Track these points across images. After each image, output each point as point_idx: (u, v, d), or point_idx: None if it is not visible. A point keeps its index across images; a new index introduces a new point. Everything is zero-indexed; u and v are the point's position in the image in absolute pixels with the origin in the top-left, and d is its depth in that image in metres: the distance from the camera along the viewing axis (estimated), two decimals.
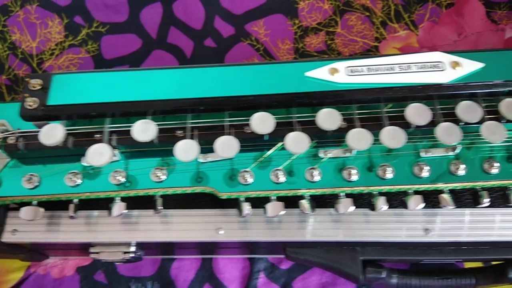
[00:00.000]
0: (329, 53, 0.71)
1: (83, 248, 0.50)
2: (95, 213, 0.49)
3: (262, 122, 0.39)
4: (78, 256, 0.56)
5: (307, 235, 0.48)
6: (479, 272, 0.51)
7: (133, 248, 0.48)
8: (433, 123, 0.41)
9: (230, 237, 0.46)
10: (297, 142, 0.39)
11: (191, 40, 0.70)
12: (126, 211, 0.44)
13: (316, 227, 0.48)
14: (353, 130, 0.40)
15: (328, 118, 0.40)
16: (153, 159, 0.46)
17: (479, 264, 0.56)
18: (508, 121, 0.42)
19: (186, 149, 0.39)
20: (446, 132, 0.40)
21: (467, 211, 0.47)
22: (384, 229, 0.47)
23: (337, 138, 0.45)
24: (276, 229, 0.48)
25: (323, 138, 0.44)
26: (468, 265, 0.57)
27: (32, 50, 0.70)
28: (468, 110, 0.40)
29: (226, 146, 0.39)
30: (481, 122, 0.40)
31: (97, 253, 0.49)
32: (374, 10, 0.72)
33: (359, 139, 0.40)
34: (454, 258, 0.50)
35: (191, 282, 0.56)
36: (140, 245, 0.50)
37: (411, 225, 0.46)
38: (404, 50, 0.71)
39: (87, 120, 0.45)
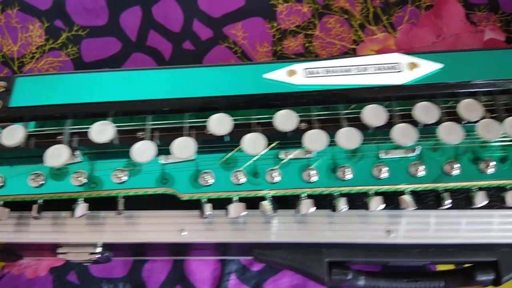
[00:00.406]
0: (307, 56, 0.72)
1: (51, 248, 0.51)
2: (63, 214, 0.49)
3: (219, 124, 0.40)
4: (49, 256, 0.56)
5: (272, 236, 0.48)
6: (448, 275, 0.51)
7: (99, 249, 0.49)
8: (391, 125, 0.41)
9: (192, 238, 0.46)
10: (254, 143, 0.40)
11: (170, 43, 0.71)
12: (89, 212, 0.45)
13: (281, 228, 0.48)
14: (310, 131, 0.40)
15: (286, 120, 0.40)
16: (120, 160, 0.47)
17: (451, 267, 0.56)
18: (469, 122, 0.42)
19: (143, 150, 0.39)
20: (402, 133, 0.40)
21: (432, 213, 0.47)
22: (348, 230, 0.47)
23: (299, 139, 0.45)
24: (241, 230, 0.48)
25: (285, 139, 0.45)
26: (440, 267, 0.57)
27: (13, 54, 0.71)
28: (425, 111, 0.40)
29: (183, 147, 0.39)
30: (438, 123, 0.40)
31: (64, 253, 0.49)
32: (353, 13, 0.73)
33: (315, 140, 0.40)
34: (421, 260, 0.50)
35: (162, 284, 0.56)
36: (108, 246, 0.50)
37: (374, 227, 0.46)
38: (382, 53, 0.71)
39: (54, 122, 0.46)
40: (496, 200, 0.46)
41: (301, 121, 0.44)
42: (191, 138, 0.40)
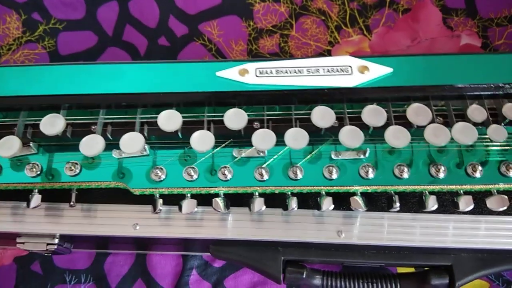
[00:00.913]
0: (282, 55, 0.72)
1: (13, 238, 0.52)
2: (23, 204, 0.50)
3: (168, 120, 0.40)
4: (12, 246, 0.57)
5: (228, 233, 0.49)
6: (404, 278, 0.51)
7: (56, 240, 0.49)
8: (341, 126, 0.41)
9: (146, 233, 0.47)
10: (202, 140, 0.40)
11: (145, 38, 0.71)
12: (45, 203, 0.46)
13: (237, 226, 0.48)
14: (258, 131, 0.40)
15: (235, 118, 0.41)
16: (78, 153, 0.47)
17: (412, 270, 0.56)
18: (419, 126, 0.42)
19: (91, 144, 0.40)
20: (350, 135, 0.40)
21: (386, 215, 0.47)
22: (301, 229, 0.48)
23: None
24: (196, 227, 0.48)
25: (239, 138, 0.45)
26: (401, 270, 0.57)
27: None
28: (373, 114, 0.40)
29: (131, 142, 0.40)
30: (386, 126, 0.41)
31: (22, 243, 0.50)
32: (330, 14, 0.73)
33: (263, 139, 0.40)
34: (375, 262, 0.50)
35: (124, 277, 0.57)
36: (67, 238, 0.51)
37: (326, 227, 0.47)
38: (356, 55, 0.71)
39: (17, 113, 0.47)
40: (450, 205, 0.47)
41: (255, 121, 0.44)
42: (138, 133, 0.40)
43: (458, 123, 0.40)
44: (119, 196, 0.49)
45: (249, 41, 0.72)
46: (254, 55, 0.72)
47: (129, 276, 0.57)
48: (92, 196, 0.49)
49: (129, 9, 0.72)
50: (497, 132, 0.39)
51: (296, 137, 0.40)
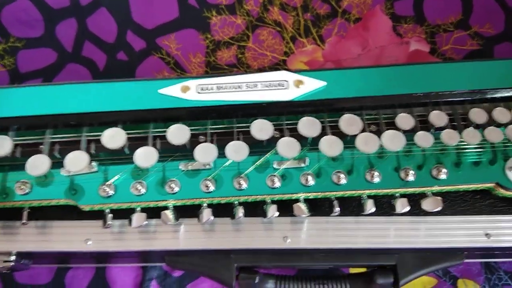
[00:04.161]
0: (239, 67, 0.74)
1: None
2: None
3: (112, 138, 0.42)
4: None
5: (180, 244, 0.50)
6: (352, 278, 0.53)
7: (13, 257, 0.50)
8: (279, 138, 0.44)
9: (99, 248, 0.48)
10: (145, 156, 0.42)
11: (104, 53, 0.72)
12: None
13: (189, 236, 0.50)
14: (200, 144, 0.42)
15: (177, 134, 0.42)
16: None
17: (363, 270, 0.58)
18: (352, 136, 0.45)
19: (37, 164, 0.41)
20: (287, 146, 0.42)
21: (330, 219, 0.50)
22: (251, 237, 0.49)
23: None
24: (150, 239, 0.50)
25: (185, 151, 0.47)
26: (354, 270, 0.60)
27: None
28: (308, 126, 0.43)
29: (76, 160, 0.41)
30: (321, 136, 0.43)
31: None
32: (285, 25, 0.75)
33: (205, 153, 0.42)
34: (324, 264, 0.52)
35: None
36: (25, 254, 0.52)
37: (273, 233, 0.49)
38: (310, 64, 0.74)
39: None
40: (389, 207, 0.49)
41: (200, 135, 0.46)
42: (83, 151, 0.42)
43: (387, 131, 0.43)
44: (73, 212, 0.50)
45: (207, 53, 0.74)
46: (212, 67, 0.74)
47: None
48: (46, 212, 0.50)
49: (87, 25, 0.73)
50: (423, 139, 0.42)
51: (237, 150, 0.42)
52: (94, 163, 0.45)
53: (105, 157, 0.47)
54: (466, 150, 0.47)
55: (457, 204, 0.49)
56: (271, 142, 0.46)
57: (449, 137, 0.42)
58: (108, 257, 0.56)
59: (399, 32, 0.75)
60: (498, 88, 0.45)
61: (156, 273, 0.59)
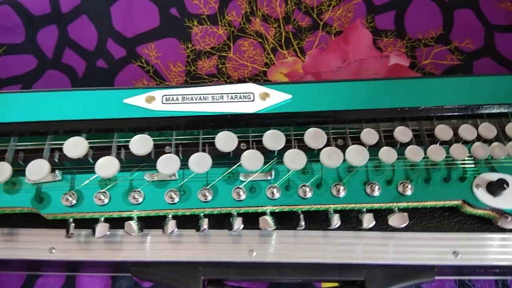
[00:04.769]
0: (219, 77, 0.74)
1: None
2: None
3: (74, 147, 0.42)
4: None
5: (147, 255, 0.50)
6: None
7: None
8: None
9: (63, 257, 0.47)
10: (106, 166, 0.41)
11: (84, 60, 0.72)
12: None
13: (155, 248, 0.50)
14: (164, 155, 0.42)
15: (140, 144, 0.42)
16: None
17: (335, 284, 0.58)
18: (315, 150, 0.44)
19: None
20: (250, 159, 0.42)
21: (298, 233, 0.49)
22: (218, 249, 0.49)
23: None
24: (116, 250, 0.49)
25: (151, 162, 0.46)
26: (326, 285, 0.59)
27: None
28: (273, 139, 0.42)
29: (37, 168, 0.41)
30: (285, 150, 0.43)
31: None
32: (266, 37, 0.75)
33: (167, 163, 0.42)
34: (292, 278, 0.52)
35: None
36: None
37: (239, 246, 0.48)
38: (290, 76, 0.74)
39: None
40: (357, 222, 0.49)
41: (166, 145, 0.46)
42: (43, 160, 0.41)
43: (351, 146, 0.42)
44: (40, 220, 0.50)
45: (188, 63, 0.74)
46: (192, 77, 0.74)
47: None
48: (14, 220, 0.50)
49: (68, 32, 0.73)
50: (387, 154, 0.42)
51: (199, 162, 0.42)
52: (58, 172, 0.45)
53: (71, 166, 0.47)
54: (435, 167, 0.47)
55: (425, 220, 0.48)
56: (238, 155, 0.45)
57: (414, 153, 0.42)
58: (77, 266, 0.55)
59: (380, 46, 0.75)
60: (461, 105, 0.45)
61: (126, 283, 0.58)
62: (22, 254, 0.48)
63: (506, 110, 0.44)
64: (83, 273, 0.58)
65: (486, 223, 0.49)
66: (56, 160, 0.44)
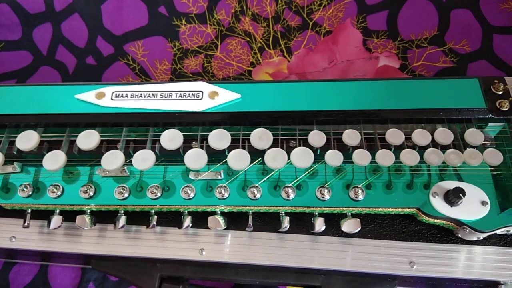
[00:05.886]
0: (204, 75, 0.74)
1: None
2: None
3: (26, 140, 0.43)
4: None
5: (104, 249, 0.50)
6: None
7: None
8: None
9: (22, 246, 0.49)
10: (53, 159, 0.42)
11: (74, 57, 0.74)
12: None
13: (113, 242, 0.50)
14: (108, 152, 0.43)
15: (86, 139, 0.43)
16: None
17: None
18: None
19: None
20: (193, 158, 0.42)
21: (255, 235, 0.48)
22: (172, 247, 0.49)
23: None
24: (75, 242, 0.50)
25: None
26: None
27: None
28: (218, 138, 0.42)
29: None
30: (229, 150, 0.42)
31: None
32: (255, 36, 0.75)
33: (110, 161, 0.42)
34: (248, 280, 0.51)
35: (26, 286, 0.59)
36: None
37: (192, 245, 0.48)
38: (274, 76, 0.73)
39: None
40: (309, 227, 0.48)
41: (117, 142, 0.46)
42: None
43: (296, 148, 0.41)
44: (3, 210, 0.52)
45: (174, 61, 0.74)
46: (178, 75, 0.75)
47: (31, 285, 0.59)
48: None
49: (61, 29, 0.75)
50: (333, 158, 0.40)
51: (143, 159, 0.42)
52: (16, 164, 0.46)
53: (34, 159, 0.48)
54: (396, 172, 0.45)
55: (382, 228, 0.46)
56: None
57: (361, 157, 0.40)
58: (48, 256, 0.57)
59: (369, 46, 0.73)
60: (425, 108, 0.42)
61: (95, 275, 0.60)
62: None
63: (467, 116, 0.41)
64: (55, 263, 0.60)
65: (450, 234, 0.47)
66: (15, 153, 0.46)
